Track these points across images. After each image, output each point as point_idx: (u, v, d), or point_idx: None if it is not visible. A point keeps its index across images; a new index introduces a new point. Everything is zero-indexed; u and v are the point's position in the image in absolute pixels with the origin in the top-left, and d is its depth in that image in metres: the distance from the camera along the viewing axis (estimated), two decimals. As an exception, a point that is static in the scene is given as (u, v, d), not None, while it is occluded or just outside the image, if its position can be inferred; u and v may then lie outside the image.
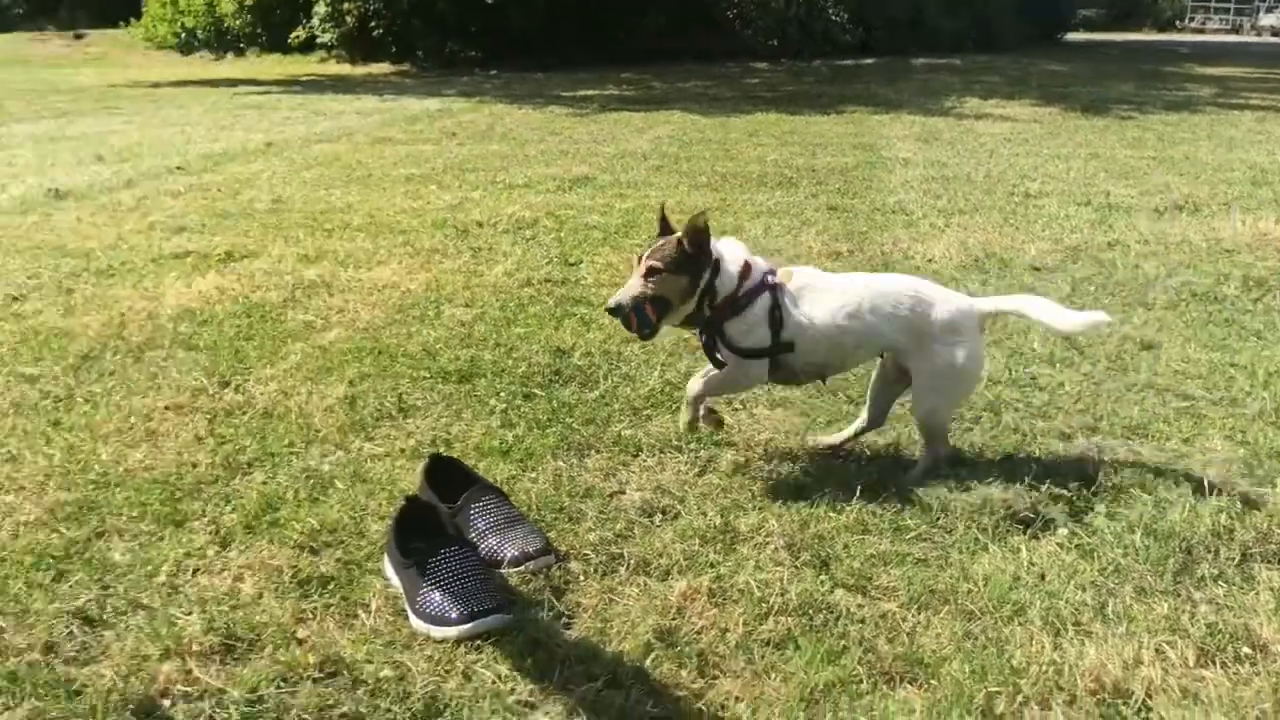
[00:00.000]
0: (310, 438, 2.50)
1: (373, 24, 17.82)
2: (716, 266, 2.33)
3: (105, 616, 1.76)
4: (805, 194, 5.51)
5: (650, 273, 2.28)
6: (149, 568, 1.91)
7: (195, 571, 1.91)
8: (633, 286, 2.29)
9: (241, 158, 7.13)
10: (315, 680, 1.59)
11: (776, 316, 2.32)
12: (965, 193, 5.49)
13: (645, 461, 2.37)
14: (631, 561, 1.93)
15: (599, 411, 2.65)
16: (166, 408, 2.68)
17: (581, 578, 1.88)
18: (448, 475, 2.11)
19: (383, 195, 5.67)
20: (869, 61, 16.18)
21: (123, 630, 1.72)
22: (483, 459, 2.36)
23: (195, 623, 1.73)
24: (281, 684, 1.58)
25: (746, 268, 2.36)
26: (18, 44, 24.11)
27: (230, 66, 19.00)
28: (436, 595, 1.75)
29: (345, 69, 17.86)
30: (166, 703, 1.54)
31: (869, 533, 2.05)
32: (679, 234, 2.31)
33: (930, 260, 4.10)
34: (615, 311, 2.29)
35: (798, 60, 16.65)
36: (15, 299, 3.63)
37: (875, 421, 2.48)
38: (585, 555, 1.95)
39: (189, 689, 1.57)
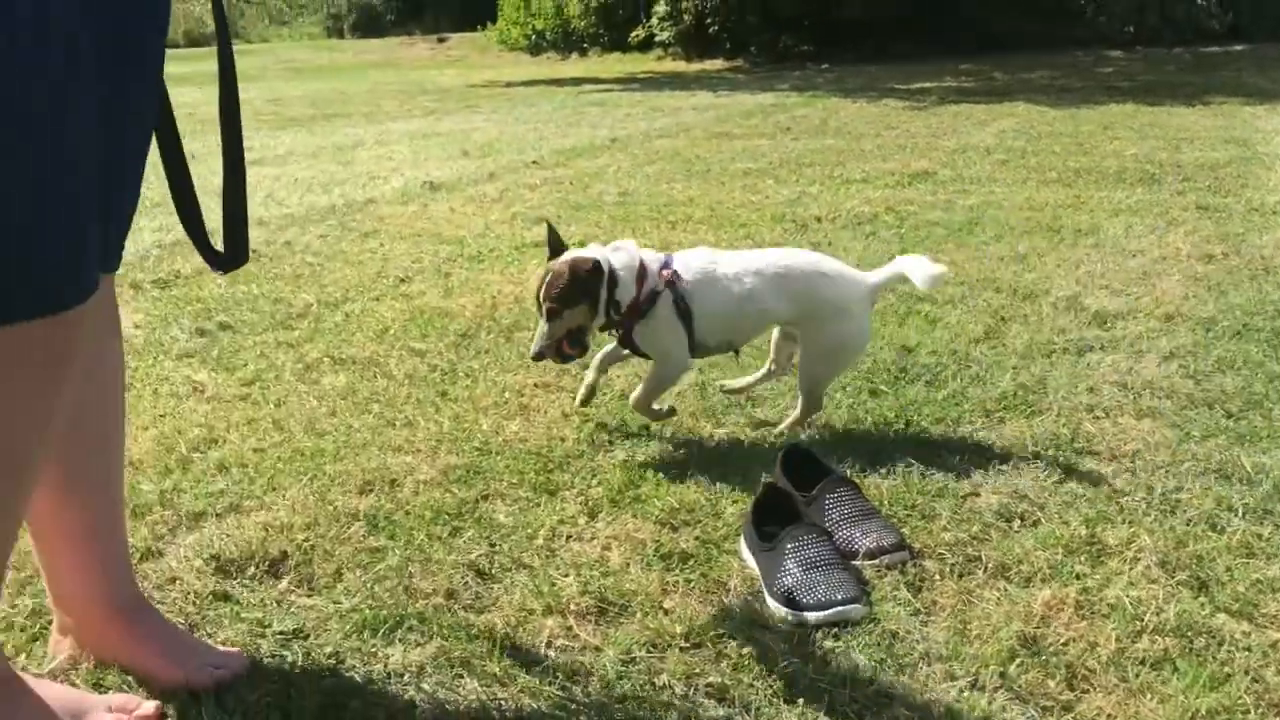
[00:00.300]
0: (665, 422, 2.63)
1: (708, 21, 18.24)
2: (613, 278, 2.36)
3: (494, 571, 1.94)
4: (1170, 191, 5.13)
5: (551, 315, 2.35)
6: (529, 530, 2.08)
7: (568, 538, 2.06)
8: (543, 332, 2.37)
9: (589, 153, 7.53)
10: (682, 649, 1.68)
11: (683, 308, 2.42)
12: (1361, 192, 4.93)
13: (1000, 465, 2.31)
14: (990, 565, 1.90)
15: (948, 411, 2.61)
16: (535, 385, 2.90)
17: (937, 577, 1.87)
18: (802, 465, 2.16)
19: (722, 189, 5.82)
20: (1238, 48, 14.75)
21: (509, 585, 1.89)
22: (832, 452, 2.39)
23: (572, 584, 1.87)
24: (651, 649, 1.68)
25: (642, 269, 2.39)
26: (389, 48, 26.53)
27: (574, 66, 20.05)
28: (793, 580, 1.80)
29: (680, 66, 18.39)
30: (551, 653, 1.68)
31: (1254, 556, 1.90)
32: (563, 264, 2.37)
33: (1321, 266, 3.72)
34: (539, 358, 2.41)
35: (1156, 47, 15.45)
36: (403, 280, 4.04)
37: (775, 373, 2.72)
38: (940, 555, 1.94)
39: (569, 643, 1.71)
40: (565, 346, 2.41)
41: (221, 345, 3.31)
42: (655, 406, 2.56)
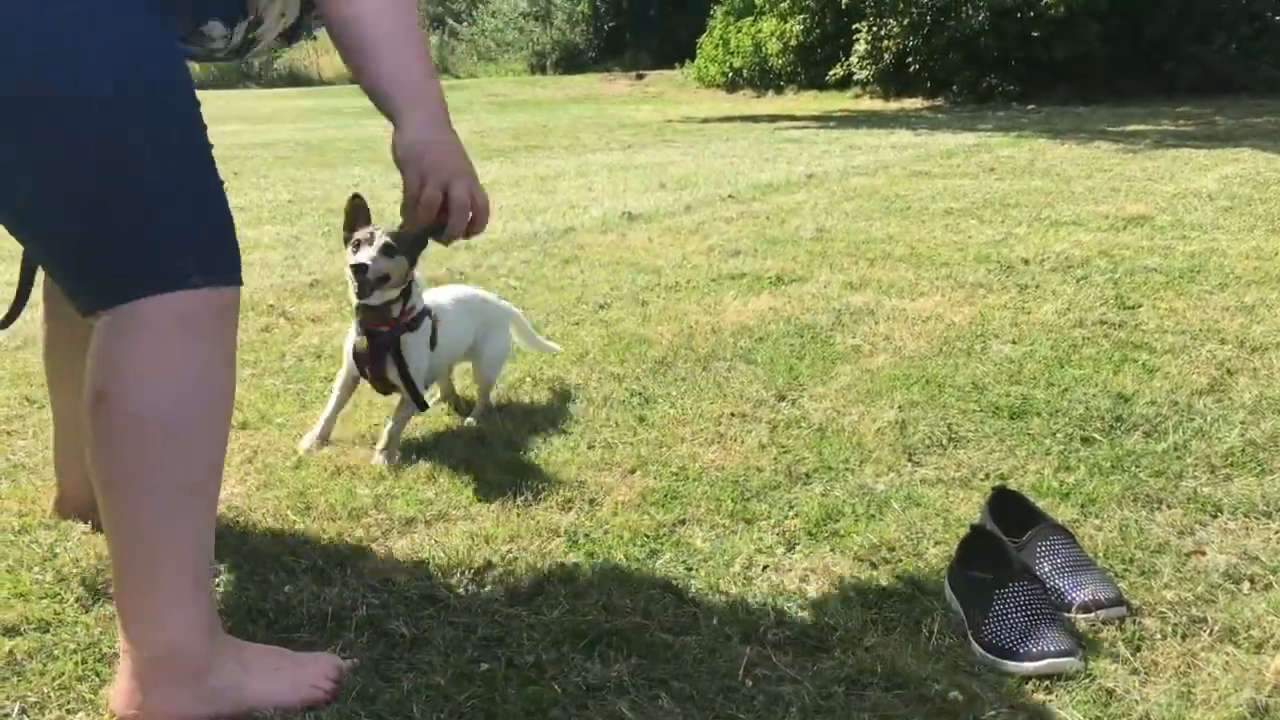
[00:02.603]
0: (863, 457, 2.58)
1: (909, 60, 17.99)
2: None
3: (691, 595, 1.94)
4: None
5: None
6: (725, 557, 2.08)
7: (765, 568, 2.05)
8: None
9: (785, 188, 7.52)
10: (883, 689, 1.64)
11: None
12: None
13: (1226, 523, 2.17)
14: (1216, 628, 1.78)
15: (1169, 464, 2.47)
16: (731, 414, 2.90)
17: (1158, 636, 1.76)
18: (1012, 509, 2.08)
19: (922, 228, 5.71)
20: None
21: (706, 610, 1.89)
22: (1040, 498, 2.29)
23: (769, 614, 1.85)
24: (850, 686, 1.65)
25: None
26: (590, 83, 27.26)
27: (769, 103, 20.11)
28: (1004, 627, 1.73)
29: (878, 104, 18.19)
30: (748, 682, 1.66)
31: None
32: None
33: None
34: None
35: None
36: (602, 307, 4.12)
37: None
38: (1161, 613, 1.83)
39: (766, 672, 1.69)
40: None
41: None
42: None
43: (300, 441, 2.72)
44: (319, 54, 35.47)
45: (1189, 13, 16.22)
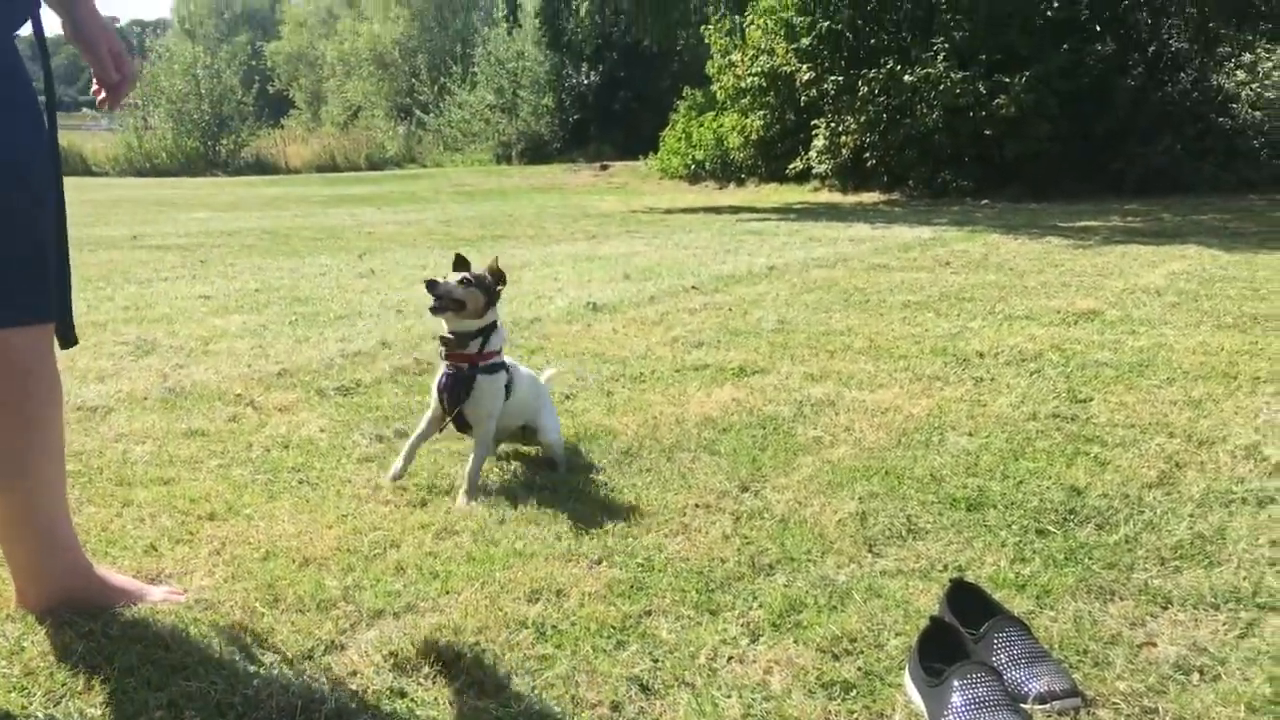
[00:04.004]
0: (825, 548, 2.64)
1: (867, 155, 18.47)
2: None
3: (657, 687, 1.97)
4: (1358, 341, 4.92)
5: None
6: (691, 649, 2.11)
7: (729, 659, 2.08)
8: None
9: (747, 280, 7.67)
10: (846, 779, 1.67)
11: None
12: None
13: (1176, 615, 2.23)
14: (1168, 718, 1.83)
15: (1121, 556, 2.54)
16: (696, 505, 2.95)
17: (1112, 727, 1.82)
18: (969, 601, 2.14)
19: (880, 320, 5.84)
20: None
21: (673, 702, 1.92)
22: (997, 590, 2.36)
23: (734, 706, 1.89)
24: (814, 777, 1.68)
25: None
26: (555, 173, 27.70)
27: (731, 195, 20.53)
28: (962, 719, 1.78)
29: (836, 197, 18.61)
30: (715, 774, 1.69)
31: None
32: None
33: None
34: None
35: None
36: (568, 397, 4.18)
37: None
38: (1115, 704, 1.88)
39: (731, 765, 1.72)
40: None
41: (398, 452, 3.47)
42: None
43: (384, 476, 3.13)
44: (286, 143, 35.85)
45: (1136, 114, 16.82)
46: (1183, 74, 16.97)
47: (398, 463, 3.14)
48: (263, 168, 33.24)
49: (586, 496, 3.03)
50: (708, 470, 3.26)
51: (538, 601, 2.32)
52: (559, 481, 3.16)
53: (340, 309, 6.38)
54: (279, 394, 4.27)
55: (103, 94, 2.29)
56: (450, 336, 3.06)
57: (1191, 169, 16.38)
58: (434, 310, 3.00)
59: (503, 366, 3.13)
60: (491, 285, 3.06)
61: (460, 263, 3.16)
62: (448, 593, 2.36)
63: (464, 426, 3.13)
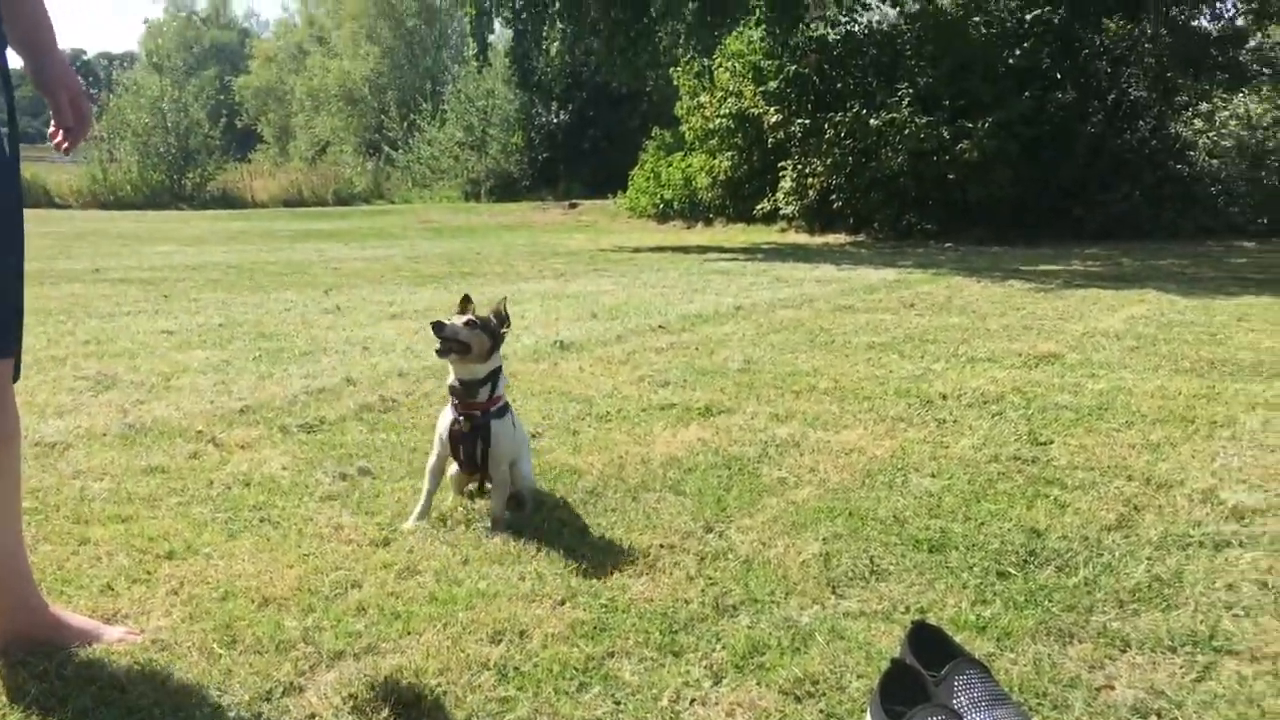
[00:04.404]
0: (789, 589, 2.64)
1: (833, 197, 18.68)
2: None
3: (619, 729, 1.97)
4: (1311, 386, 5.01)
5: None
6: (654, 691, 2.11)
7: (692, 701, 2.08)
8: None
9: (714, 319, 7.71)
10: (807, 823, 1.67)
11: None
12: None
13: (1134, 658, 2.26)
14: (1126, 762, 1.85)
15: (1080, 599, 2.57)
16: (660, 545, 2.95)
17: (1071, 770, 1.83)
18: (931, 643, 2.14)
19: (845, 361, 5.89)
20: (1384, 242, 14.43)
21: (635, 744, 1.91)
22: (958, 632, 2.37)
23: (696, 748, 1.88)
24: (775, 821, 1.68)
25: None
26: (524, 211, 27.78)
27: (699, 234, 20.66)
28: (923, 761, 1.78)
29: (803, 238, 18.79)
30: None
31: None
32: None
33: None
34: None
35: (1292, 239, 15.22)
36: (533, 435, 4.17)
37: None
38: (1074, 747, 1.90)
39: (693, 809, 1.71)
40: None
41: (362, 490, 3.46)
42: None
43: (404, 524, 3.08)
44: (253, 177, 35.74)
45: (1096, 161, 17.15)
46: (1141, 122, 17.34)
47: (413, 517, 3.11)
48: (229, 202, 33.08)
49: (551, 536, 3.02)
50: (673, 510, 3.27)
51: (500, 642, 2.31)
52: (524, 521, 3.15)
53: (305, 345, 6.34)
54: (241, 431, 4.23)
55: (59, 137, 2.34)
56: (459, 385, 3.08)
57: (1150, 215, 16.69)
58: (440, 353, 3.02)
59: (509, 408, 3.19)
60: (496, 328, 3.11)
61: (465, 303, 3.16)
62: (409, 633, 2.35)
63: (475, 468, 3.17)
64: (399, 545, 2.94)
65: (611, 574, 2.72)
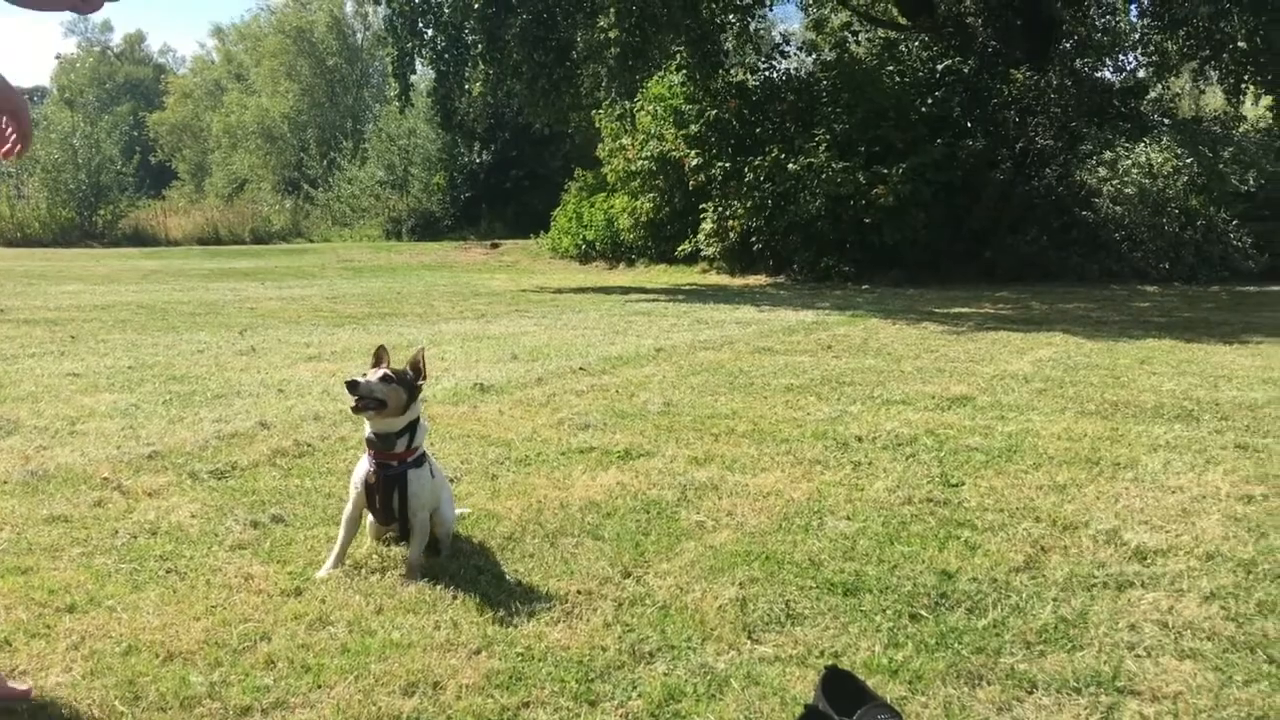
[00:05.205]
0: (705, 635, 2.65)
1: (753, 239, 18.93)
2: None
3: (534, 781, 1.95)
4: (1209, 429, 5.18)
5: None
6: (569, 741, 2.10)
7: (607, 751, 2.07)
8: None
9: (635, 361, 7.74)
10: None
11: None
12: (1403, 437, 4.93)
13: (1041, 699, 2.31)
14: (1032, 804, 1.88)
15: (989, 641, 2.62)
16: (578, 592, 2.94)
17: (979, 813, 1.86)
18: (843, 688, 2.17)
19: (764, 404, 5.95)
20: (1276, 289, 14.99)
21: (549, 797, 1.90)
22: (870, 675, 2.40)
23: (611, 800, 1.87)
24: None
25: None
26: (445, 250, 27.62)
27: (621, 275, 20.76)
28: (835, 808, 1.80)
29: (724, 279, 18.97)
30: None
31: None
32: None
33: (1363, 511, 3.72)
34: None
35: (1192, 285, 15.78)
36: (451, 480, 4.12)
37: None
38: (982, 790, 1.93)
39: None
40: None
41: (274, 538, 3.40)
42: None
43: (318, 572, 3.02)
44: (167, 214, 35.05)
45: (1005, 206, 17.63)
46: (1048, 170, 17.88)
47: (328, 567, 3.08)
48: (142, 240, 32.34)
49: (467, 584, 2.99)
50: (591, 555, 3.26)
51: (414, 694, 2.28)
52: (439, 568, 3.11)
53: (218, 388, 6.22)
54: (149, 477, 4.13)
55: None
56: (375, 438, 3.09)
57: (1057, 259, 17.19)
58: (355, 410, 3.03)
59: (426, 457, 3.20)
60: (413, 381, 3.13)
61: (380, 355, 3.17)
62: (320, 687, 2.30)
63: (390, 519, 3.15)
64: (311, 595, 2.89)
65: (528, 622, 2.71)
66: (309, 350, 8.12)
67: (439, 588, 2.94)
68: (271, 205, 38.45)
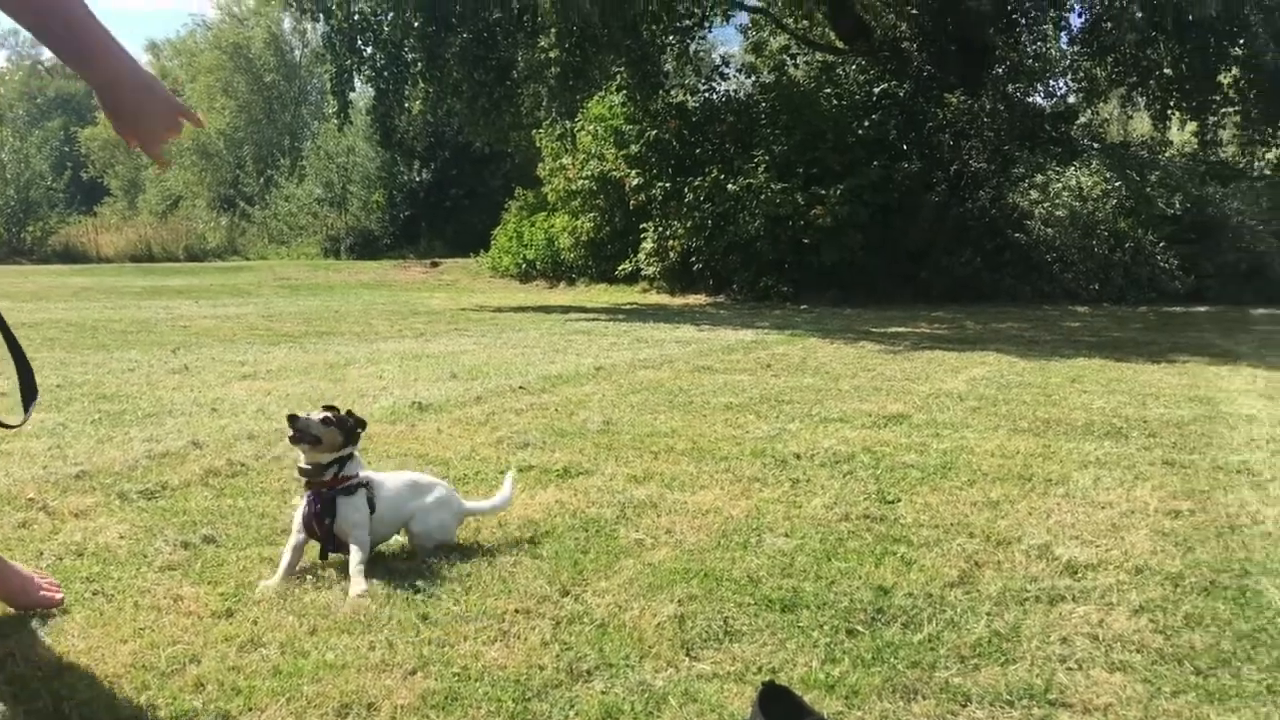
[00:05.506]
0: (644, 652, 2.65)
1: (693, 259, 19.05)
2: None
3: (469, 802, 1.93)
4: (1137, 446, 5.30)
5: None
6: (505, 761, 2.08)
7: (544, 770, 2.06)
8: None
9: (574, 380, 7.73)
10: None
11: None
12: (1320, 454, 5.08)
13: (975, 713, 2.33)
14: (965, 815, 1.90)
15: (924, 655, 2.64)
16: (515, 610, 2.92)
17: (913, 825, 1.87)
18: (780, 704, 2.17)
19: (704, 422, 5.97)
20: (1201, 310, 15.42)
21: (484, 817, 1.87)
22: (808, 691, 2.41)
23: (547, 819, 1.86)
24: None
25: None
26: (384, 269, 27.44)
27: (561, 294, 20.76)
28: (772, 823, 1.80)
29: (664, 299, 19.06)
30: None
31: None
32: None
33: (1284, 525, 3.83)
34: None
35: (1121, 305, 16.16)
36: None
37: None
38: (916, 802, 1.94)
39: None
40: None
41: (205, 558, 3.33)
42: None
43: (262, 582, 3.09)
44: (98, 231, 34.37)
45: (940, 228, 17.95)
46: (982, 192, 18.24)
47: (270, 585, 3.10)
48: (72, 256, 31.70)
49: (403, 604, 2.95)
50: (529, 574, 3.24)
51: (347, 716, 2.25)
52: (374, 588, 3.07)
53: (149, 407, 6.10)
54: (76, 498, 4.03)
55: None
56: (307, 467, 3.28)
57: (991, 280, 17.52)
58: (291, 440, 3.26)
59: (362, 485, 3.34)
60: (352, 427, 3.34)
61: (329, 407, 3.38)
62: (250, 709, 2.26)
63: (336, 547, 3.28)
64: (243, 616, 2.84)
65: (465, 641, 2.68)
66: (244, 369, 8.00)
67: (374, 607, 2.90)
68: (207, 222, 37.93)
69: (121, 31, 2.15)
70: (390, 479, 3.52)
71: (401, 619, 2.83)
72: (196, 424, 5.57)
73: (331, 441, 3.27)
